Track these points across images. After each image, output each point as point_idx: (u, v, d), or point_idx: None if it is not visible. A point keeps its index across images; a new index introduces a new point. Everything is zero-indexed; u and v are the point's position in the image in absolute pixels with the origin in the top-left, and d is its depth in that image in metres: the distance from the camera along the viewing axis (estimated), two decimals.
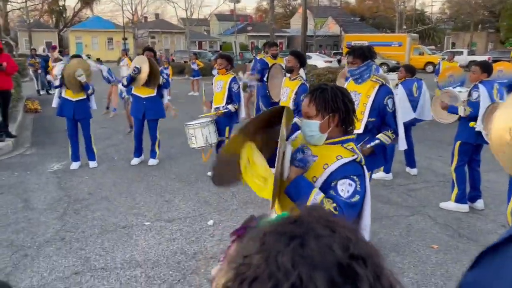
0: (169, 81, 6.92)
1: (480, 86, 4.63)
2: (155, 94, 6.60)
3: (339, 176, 1.92)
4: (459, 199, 4.91)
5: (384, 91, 3.53)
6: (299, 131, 2.25)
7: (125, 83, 6.52)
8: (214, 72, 6.44)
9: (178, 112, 9.91)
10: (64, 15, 57.43)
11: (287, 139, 2.11)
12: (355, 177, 1.92)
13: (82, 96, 6.38)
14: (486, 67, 4.73)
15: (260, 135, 2.11)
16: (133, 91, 6.62)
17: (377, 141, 3.50)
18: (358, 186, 1.92)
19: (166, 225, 4.51)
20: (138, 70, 6.34)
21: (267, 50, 8.53)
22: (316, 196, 1.89)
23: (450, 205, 4.97)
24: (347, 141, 2.05)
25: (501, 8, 48.48)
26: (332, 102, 1.99)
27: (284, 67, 5.99)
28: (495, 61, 20.41)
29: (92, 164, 6.63)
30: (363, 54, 3.53)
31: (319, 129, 2.00)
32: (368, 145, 3.48)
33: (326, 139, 2.04)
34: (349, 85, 3.73)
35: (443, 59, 27.15)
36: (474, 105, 4.59)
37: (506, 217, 4.07)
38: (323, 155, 2.01)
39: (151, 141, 6.78)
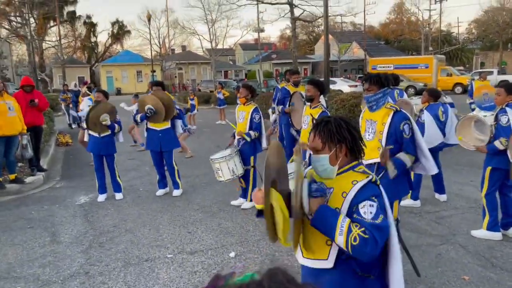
0: (182, 112, 7.12)
1: (508, 109, 4.47)
2: (169, 126, 6.76)
3: (359, 201, 1.91)
4: (491, 227, 4.69)
5: (400, 116, 3.47)
6: (308, 169, 2.24)
7: (139, 120, 6.72)
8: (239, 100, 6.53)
9: (193, 154, 10.07)
10: (96, 51, 60.07)
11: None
12: (374, 198, 1.92)
13: (108, 132, 6.57)
14: (509, 89, 4.57)
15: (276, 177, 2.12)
16: (149, 125, 6.77)
17: (397, 162, 3.40)
18: (379, 206, 1.91)
19: (188, 258, 4.49)
20: (153, 112, 6.51)
21: (289, 77, 8.59)
22: (343, 223, 1.86)
23: (482, 233, 4.75)
24: (357, 165, 2.05)
25: None
26: (337, 133, 2.00)
27: (303, 95, 6.00)
28: None
29: (118, 196, 6.75)
30: (380, 81, 3.50)
31: (329, 162, 2.01)
32: (387, 149, 3.38)
33: (337, 170, 2.03)
34: (364, 114, 3.69)
35: (472, 79, 26.64)
36: (506, 130, 4.39)
37: None
38: (338, 185, 2.01)
39: (170, 172, 6.86)
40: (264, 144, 6.11)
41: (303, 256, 2.10)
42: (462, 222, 5.28)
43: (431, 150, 5.82)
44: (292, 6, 20.68)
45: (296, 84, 8.10)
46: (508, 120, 4.39)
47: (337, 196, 1.98)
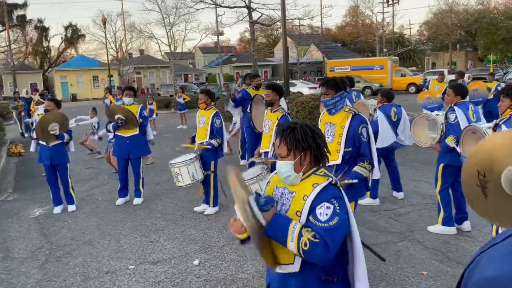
0: (147, 118, 6.99)
1: (456, 108, 4.67)
2: (137, 132, 6.60)
3: (319, 202, 1.93)
4: (446, 222, 4.88)
5: (358, 120, 3.55)
6: (273, 174, 2.24)
7: (112, 130, 6.56)
8: None
9: (154, 161, 9.94)
10: (48, 56, 57.89)
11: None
12: (332, 199, 1.93)
13: (57, 141, 6.31)
14: (459, 90, 4.79)
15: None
16: (116, 132, 6.59)
17: (355, 180, 3.47)
18: (338, 208, 1.92)
19: (151, 268, 4.39)
20: (124, 121, 6.39)
21: (249, 81, 8.60)
22: (293, 229, 1.88)
23: (438, 228, 4.94)
24: (318, 169, 2.08)
25: (477, 28, 50.09)
26: (302, 141, 2.01)
27: (263, 97, 6.01)
28: (474, 79, 20.92)
29: (71, 208, 6.50)
30: (336, 85, 3.56)
31: (293, 169, 2.02)
32: (347, 181, 3.46)
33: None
34: (323, 117, 3.75)
35: (425, 79, 27.60)
36: (454, 127, 4.59)
37: (492, 234, 4.04)
38: (300, 188, 2.02)
39: (135, 180, 6.70)
40: (225, 149, 6.08)
41: (275, 268, 2.10)
42: (419, 218, 5.47)
43: (386, 150, 6.04)
44: (250, 9, 20.77)
45: (257, 88, 8.13)
46: (456, 117, 4.59)
47: (298, 199, 1.99)
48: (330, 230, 1.86)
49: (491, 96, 10.18)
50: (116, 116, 6.39)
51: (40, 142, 6.35)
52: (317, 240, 1.83)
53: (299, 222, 1.94)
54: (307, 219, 1.93)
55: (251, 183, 4.58)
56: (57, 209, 6.42)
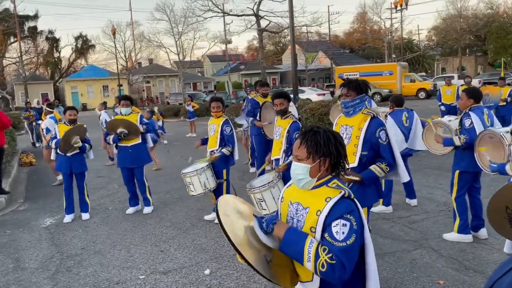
0: (151, 125, 7.06)
1: (471, 113, 4.58)
2: (140, 141, 6.59)
3: (333, 218, 1.85)
4: (462, 230, 4.77)
5: (376, 123, 3.48)
6: (285, 188, 2.17)
7: (111, 143, 6.57)
8: None
9: (161, 167, 10.00)
10: (59, 66, 58.62)
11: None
12: (348, 216, 1.84)
13: (77, 151, 6.36)
14: (472, 94, 4.70)
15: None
16: (119, 143, 6.58)
17: (356, 178, 3.41)
18: (354, 223, 1.84)
19: (162, 278, 4.34)
20: (127, 134, 6.39)
21: (258, 89, 8.58)
22: (310, 249, 1.81)
23: (453, 236, 4.82)
24: (330, 179, 1.99)
25: (486, 32, 49.69)
26: (324, 146, 1.94)
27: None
28: (485, 83, 20.71)
29: (85, 216, 6.51)
30: (359, 87, 3.50)
31: (309, 173, 1.94)
32: (350, 177, 3.39)
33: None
34: (340, 120, 3.68)
35: (434, 84, 27.38)
36: (469, 132, 4.49)
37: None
38: (313, 203, 1.94)
39: (141, 189, 6.68)
40: (236, 156, 6.04)
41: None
42: (434, 226, 5.36)
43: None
44: (258, 17, 20.83)
45: (265, 96, 8.10)
46: (471, 122, 4.49)
47: (312, 215, 1.92)
48: (347, 250, 1.79)
49: (503, 103, 10.05)
50: (119, 130, 6.39)
51: (58, 151, 6.41)
52: (334, 262, 1.76)
53: (314, 238, 1.87)
54: (323, 237, 1.85)
55: (263, 190, 4.53)
56: (68, 218, 6.42)
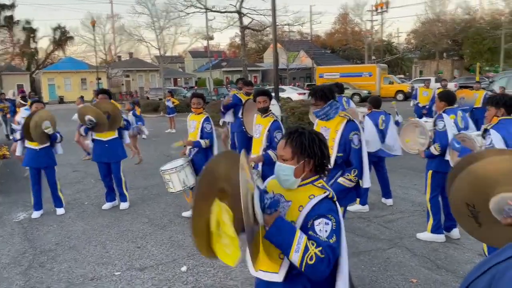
0: (130, 123, 6.95)
1: (444, 115, 4.70)
2: (116, 135, 6.49)
3: (314, 215, 1.88)
4: (435, 229, 4.89)
5: (351, 127, 3.53)
6: (270, 178, 2.19)
7: (83, 134, 6.43)
8: None
9: (141, 159, 9.95)
10: (36, 58, 57.17)
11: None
12: (329, 215, 1.88)
13: (46, 144, 6.20)
14: (443, 96, 4.83)
15: (226, 187, 2.02)
16: (94, 136, 6.48)
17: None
18: (334, 224, 1.87)
19: (138, 274, 4.30)
20: (94, 123, 6.22)
21: (241, 86, 8.57)
22: (300, 240, 1.82)
23: (427, 235, 4.94)
24: (317, 179, 2.03)
25: (463, 37, 50.83)
26: (309, 147, 1.96)
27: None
28: (461, 87, 21.26)
29: (60, 211, 6.39)
30: (325, 96, 3.54)
31: (293, 173, 1.97)
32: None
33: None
34: (319, 121, 3.72)
35: (413, 87, 27.90)
36: (441, 136, 4.62)
37: (482, 246, 4.05)
38: (296, 198, 1.97)
39: (117, 184, 6.60)
40: (215, 152, 6.02)
41: (254, 269, 2.05)
42: (408, 225, 5.47)
43: (376, 157, 6.05)
44: (241, 14, 20.78)
45: (248, 94, 8.09)
46: (444, 125, 4.61)
47: (294, 209, 1.95)
48: (333, 248, 1.83)
49: (478, 105, 10.33)
50: (86, 118, 6.18)
51: (27, 145, 6.21)
52: (323, 256, 1.79)
53: None
54: (306, 233, 1.87)
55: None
56: (37, 214, 6.28)
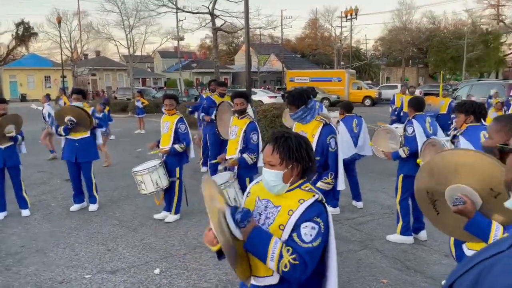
0: (103, 120, 6.79)
1: (414, 121, 4.87)
2: (88, 135, 6.32)
3: (304, 219, 1.90)
4: (404, 231, 5.03)
5: (328, 130, 3.60)
6: (253, 184, 2.20)
7: (63, 134, 6.21)
8: (164, 109, 6.23)
9: (111, 163, 9.74)
10: None
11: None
12: (318, 219, 1.90)
13: (10, 143, 5.97)
14: (411, 103, 5.02)
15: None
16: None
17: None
18: (322, 227, 1.90)
19: (109, 277, 4.21)
20: (75, 123, 6.08)
21: (214, 88, 8.54)
22: (274, 249, 1.84)
23: (396, 237, 5.08)
24: (303, 183, 2.04)
25: (428, 45, 52.64)
26: (296, 152, 1.97)
27: (231, 104, 5.98)
28: (425, 94, 22.01)
29: (25, 212, 6.16)
30: (296, 101, 3.62)
31: (282, 179, 1.98)
32: None
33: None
34: (297, 125, 3.77)
35: (379, 93, 28.49)
36: (410, 140, 4.79)
37: (449, 247, 4.20)
38: (285, 203, 1.98)
39: (87, 185, 6.43)
40: (192, 154, 5.99)
41: (247, 279, 2.05)
42: (378, 227, 5.60)
43: (347, 160, 6.18)
44: (213, 16, 20.73)
45: (222, 95, 8.08)
46: (413, 130, 4.79)
47: (283, 213, 1.95)
48: (312, 251, 1.85)
49: (443, 111, 10.73)
50: (66, 118, 6.05)
51: None
52: (296, 262, 1.81)
53: (281, 236, 1.91)
54: (290, 236, 1.89)
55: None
56: (0, 215, 6.04)
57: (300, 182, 2.03)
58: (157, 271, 4.32)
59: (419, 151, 4.66)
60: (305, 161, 1.99)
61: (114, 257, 4.71)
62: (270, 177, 1.98)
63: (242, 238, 1.86)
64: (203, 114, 8.31)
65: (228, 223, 1.82)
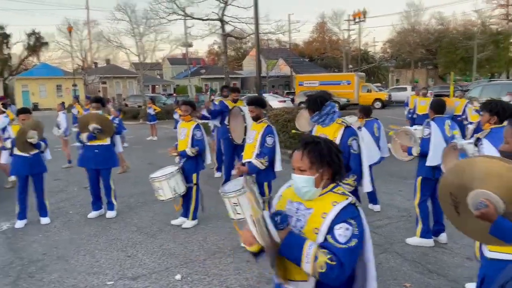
0: (122, 126, 6.87)
1: (432, 123, 4.84)
2: (108, 142, 6.40)
3: (338, 221, 1.91)
4: (424, 234, 4.99)
5: (349, 132, 3.61)
6: (284, 188, 2.20)
7: (86, 141, 6.27)
8: (176, 116, 6.29)
9: (129, 168, 9.82)
10: (9, 63, 55.72)
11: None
12: (352, 221, 1.91)
13: (36, 150, 6.07)
14: (432, 105, 5.00)
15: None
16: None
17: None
18: (356, 229, 1.90)
19: (131, 284, 4.23)
20: (100, 130, 6.18)
21: (226, 93, 8.58)
22: (309, 251, 1.85)
23: (416, 240, 5.04)
24: (335, 187, 2.05)
25: (437, 47, 52.28)
26: (327, 156, 1.99)
27: (242, 109, 6.00)
28: (436, 96, 21.87)
29: (45, 220, 6.23)
30: (311, 107, 3.71)
31: (314, 184, 1.99)
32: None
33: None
34: (317, 128, 3.78)
35: (389, 95, 28.31)
36: (424, 142, 4.78)
37: (473, 249, 4.16)
38: (318, 205, 1.99)
39: (106, 192, 6.49)
40: (208, 160, 6.02)
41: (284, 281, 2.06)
42: (396, 230, 5.57)
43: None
44: (223, 22, 20.84)
45: (235, 101, 8.11)
46: (429, 133, 4.76)
47: (316, 216, 1.96)
48: (349, 252, 1.86)
49: (458, 113, 10.66)
50: (92, 126, 6.16)
51: (16, 153, 6.06)
52: (333, 263, 1.82)
53: (316, 240, 1.92)
54: (325, 239, 1.90)
55: (230, 197, 4.56)
56: (21, 223, 6.11)
57: (332, 185, 2.04)
58: (178, 276, 4.34)
59: (432, 153, 4.63)
60: (336, 165, 2.01)
61: (134, 263, 4.74)
62: (301, 182, 1.99)
63: (279, 242, 1.88)
64: (214, 121, 8.37)
65: (268, 227, 1.84)
